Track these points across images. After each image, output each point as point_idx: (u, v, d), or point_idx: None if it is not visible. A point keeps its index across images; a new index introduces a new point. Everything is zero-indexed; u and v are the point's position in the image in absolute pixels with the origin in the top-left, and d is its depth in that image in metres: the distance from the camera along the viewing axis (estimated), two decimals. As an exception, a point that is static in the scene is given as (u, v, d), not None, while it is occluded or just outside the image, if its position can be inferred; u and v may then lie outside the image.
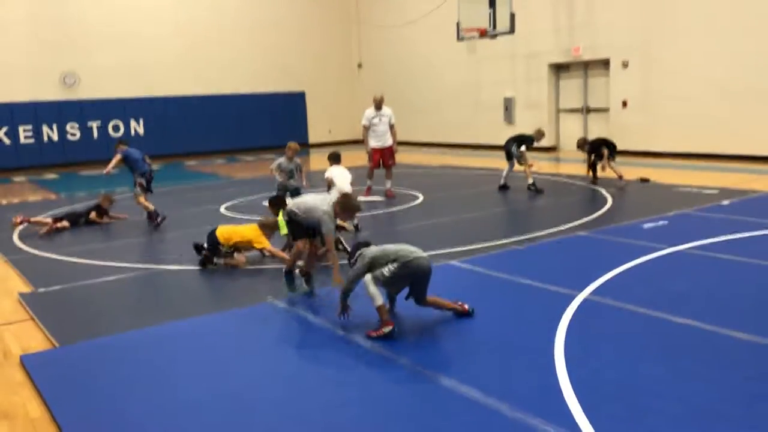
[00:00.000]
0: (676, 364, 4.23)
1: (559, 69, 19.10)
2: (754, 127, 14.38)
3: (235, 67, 23.22)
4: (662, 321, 5.01)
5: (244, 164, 19.95)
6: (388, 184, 11.81)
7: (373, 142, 11.74)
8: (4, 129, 19.60)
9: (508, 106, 20.15)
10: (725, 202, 9.81)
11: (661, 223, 8.55)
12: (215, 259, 7.32)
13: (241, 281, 6.81)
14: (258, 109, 23.51)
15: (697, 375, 4.07)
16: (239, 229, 7.50)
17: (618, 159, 12.35)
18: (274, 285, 6.53)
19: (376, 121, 11.70)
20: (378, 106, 11.74)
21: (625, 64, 16.87)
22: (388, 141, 11.82)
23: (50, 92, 20.39)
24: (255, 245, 7.40)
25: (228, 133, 23.08)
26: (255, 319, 5.52)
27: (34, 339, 5.31)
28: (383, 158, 11.76)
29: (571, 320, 5.05)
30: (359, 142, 26.17)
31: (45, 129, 20.17)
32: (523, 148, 11.63)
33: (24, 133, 19.90)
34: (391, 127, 11.76)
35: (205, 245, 7.37)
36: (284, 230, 7.20)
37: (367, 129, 11.76)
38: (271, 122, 23.74)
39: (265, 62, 23.82)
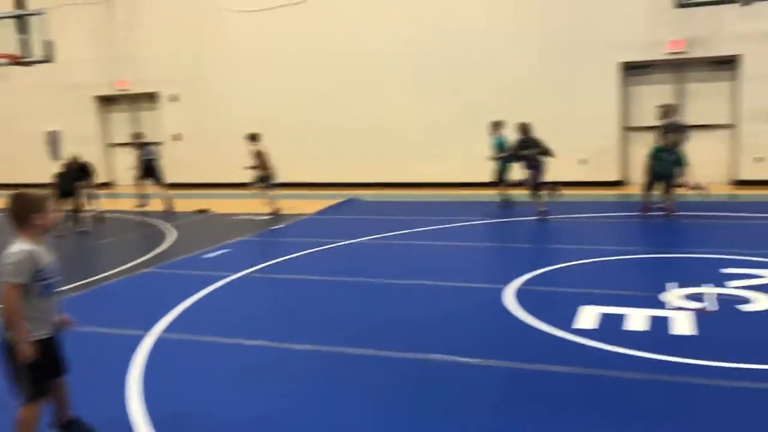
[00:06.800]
0: (257, 386, 4.29)
1: (106, 102, 18.37)
2: (296, 160, 15.84)
3: None
4: (236, 346, 5.06)
5: None
6: None
7: None
8: None
9: (55, 139, 18.57)
10: (281, 226, 10.56)
11: (223, 251, 8.75)
12: None
13: None
14: None
15: (278, 393, 4.18)
16: None
17: (173, 191, 12.33)
18: None
19: None
20: None
21: (174, 98, 17.04)
22: None
23: None
24: None
25: None
26: None
27: None
28: None
29: (147, 362, 4.74)
30: None
31: None
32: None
33: None
34: None
35: None
36: None
37: None
38: None
39: None
